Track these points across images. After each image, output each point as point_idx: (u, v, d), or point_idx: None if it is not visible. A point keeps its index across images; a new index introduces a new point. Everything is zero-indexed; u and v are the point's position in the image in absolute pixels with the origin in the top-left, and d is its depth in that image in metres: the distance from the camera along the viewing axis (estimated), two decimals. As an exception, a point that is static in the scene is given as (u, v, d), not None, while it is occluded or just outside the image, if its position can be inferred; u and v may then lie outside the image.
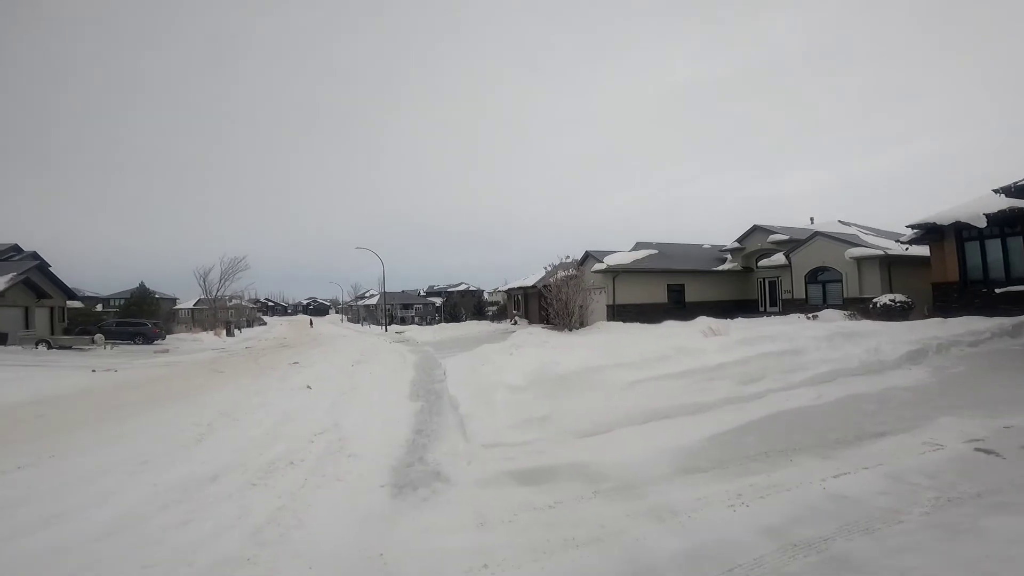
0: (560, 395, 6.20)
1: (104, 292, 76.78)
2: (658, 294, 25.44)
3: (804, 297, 23.95)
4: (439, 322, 70.43)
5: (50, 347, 22.71)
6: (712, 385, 6.82)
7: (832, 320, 17.51)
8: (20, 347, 22.51)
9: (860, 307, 19.99)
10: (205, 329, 42.98)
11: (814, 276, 24.13)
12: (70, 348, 23.22)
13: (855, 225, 28.38)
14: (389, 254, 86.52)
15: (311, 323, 72.73)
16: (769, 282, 27.01)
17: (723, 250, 29.41)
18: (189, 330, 40.72)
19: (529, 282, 33.36)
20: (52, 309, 29.58)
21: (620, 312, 23.69)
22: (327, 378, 12.45)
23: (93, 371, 15.13)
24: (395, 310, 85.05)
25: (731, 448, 5.35)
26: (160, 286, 69.77)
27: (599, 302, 23.74)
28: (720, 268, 27.71)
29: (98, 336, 24.63)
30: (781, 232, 26.42)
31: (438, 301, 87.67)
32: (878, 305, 19.01)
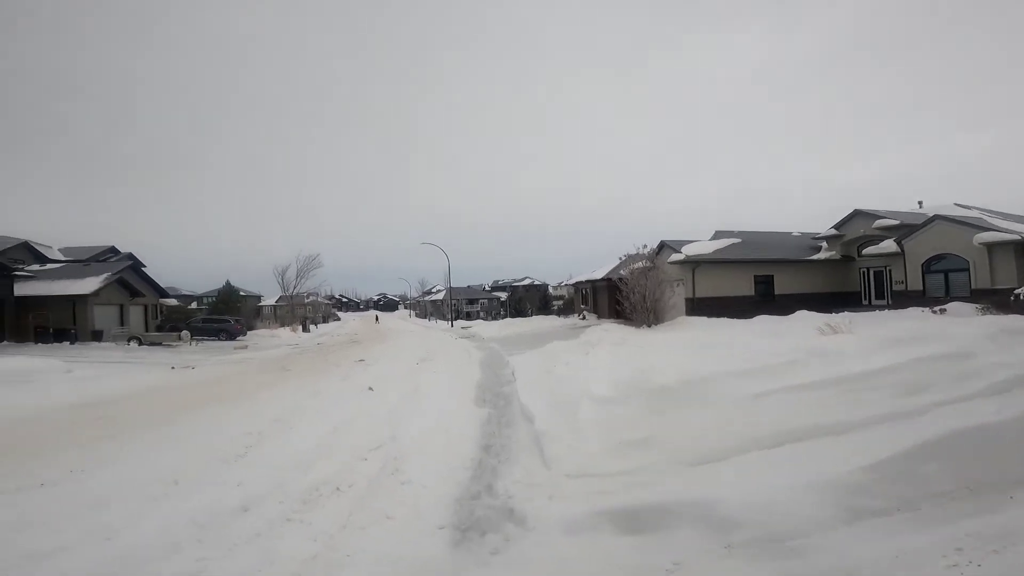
0: (664, 410, 4.91)
1: (199, 290, 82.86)
2: (743, 286, 23.13)
3: (921, 288, 20.86)
4: (504, 317, 70.07)
5: (141, 343, 24.05)
6: (861, 397, 5.26)
7: (964, 315, 14.89)
8: (114, 344, 24.00)
9: (993, 299, 16.99)
10: (284, 325, 44.84)
11: (930, 265, 20.99)
12: (160, 344, 24.49)
13: (976, 208, 24.57)
14: (454, 250, 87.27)
15: (376, 319, 74.56)
16: (875, 272, 23.88)
17: (817, 238, 26.39)
18: (268, 326, 42.56)
19: (597, 275, 31.75)
20: (146, 307, 31.60)
21: (701, 306, 21.69)
22: (390, 378, 11.79)
23: (172, 368, 15.46)
24: (460, 305, 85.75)
25: (912, 480, 3.86)
26: (247, 285, 74.27)
27: (678, 295, 21.88)
28: (815, 257, 24.84)
29: (184, 333, 25.86)
30: (889, 217, 23.22)
31: (503, 296, 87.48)
32: (1021, 297, 16.08)
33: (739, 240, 25.02)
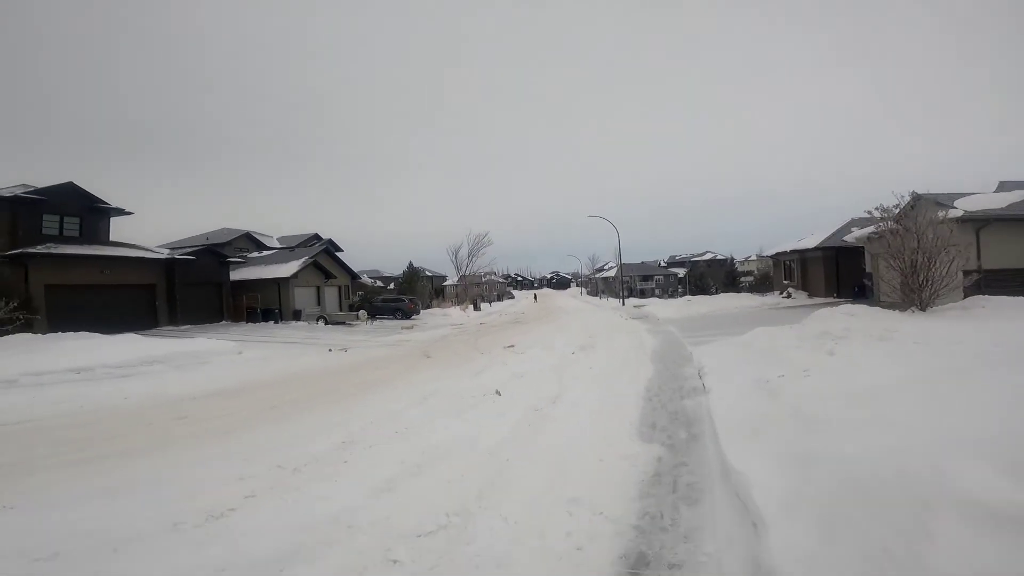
0: None
1: (397, 272, 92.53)
2: (1062, 253, 15.15)
3: None
4: (682, 295, 63.48)
5: (327, 323, 25.80)
6: None
7: None
8: (306, 322, 26.17)
9: None
10: (458, 304, 46.31)
11: None
12: (343, 324, 26.02)
13: None
14: (627, 224, 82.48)
15: (535, 298, 73.39)
16: None
17: None
18: (442, 305, 44.22)
19: (808, 243, 25.08)
20: (340, 288, 34.56)
21: (991, 281, 14.64)
22: (532, 373, 9.25)
23: (329, 351, 15.25)
24: (633, 282, 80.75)
25: None
26: (436, 266, 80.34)
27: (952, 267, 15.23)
28: None
29: (361, 312, 27.19)
30: None
31: (681, 272, 79.87)
32: None
33: (1048, 189, 16.70)
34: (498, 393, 7.57)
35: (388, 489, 3.83)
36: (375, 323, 27.67)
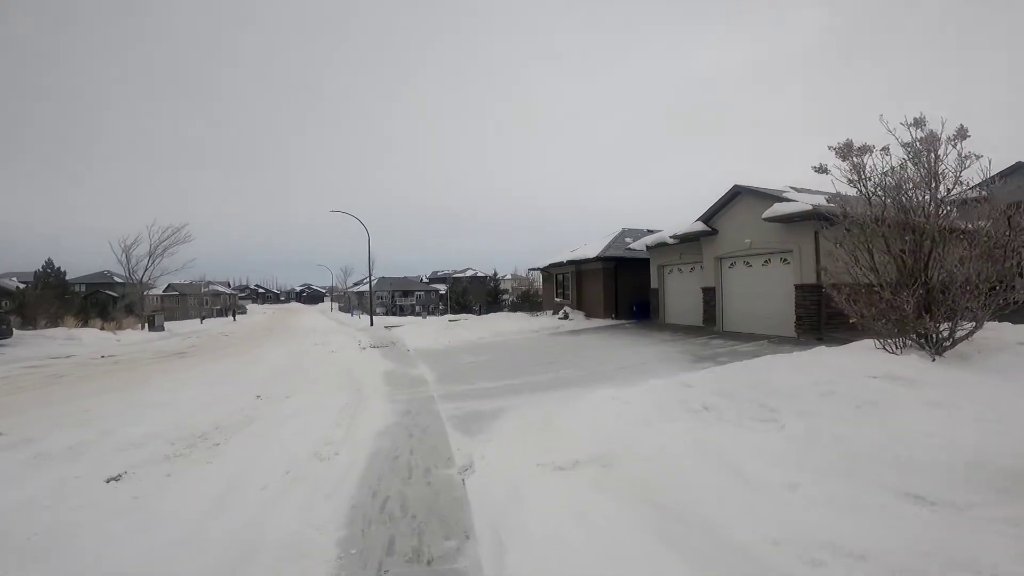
0: None
1: (79, 272, 63.97)
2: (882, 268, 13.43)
3: None
4: (443, 312, 58.94)
5: None
6: None
7: None
8: None
9: None
10: (132, 319, 31.59)
11: None
12: None
13: None
14: (391, 240, 75.25)
15: (234, 317, 58.87)
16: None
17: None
18: (106, 324, 29.10)
19: (587, 252, 21.49)
20: None
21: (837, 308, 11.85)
22: None
23: None
24: (394, 298, 73.67)
25: None
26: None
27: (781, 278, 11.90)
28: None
29: None
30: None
31: (443, 288, 76.10)
32: None
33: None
34: None
35: None
36: None
